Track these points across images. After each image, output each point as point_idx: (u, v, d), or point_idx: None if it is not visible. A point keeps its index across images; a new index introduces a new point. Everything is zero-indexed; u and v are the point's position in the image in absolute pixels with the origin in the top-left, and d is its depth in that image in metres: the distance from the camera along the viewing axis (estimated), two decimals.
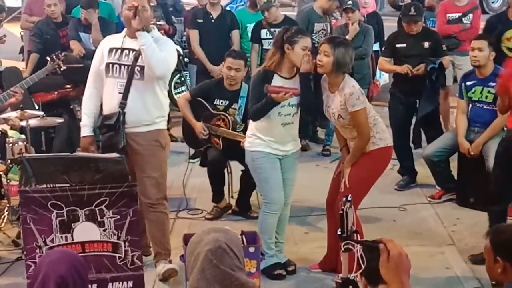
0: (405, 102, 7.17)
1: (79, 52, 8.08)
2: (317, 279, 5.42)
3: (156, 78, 5.10)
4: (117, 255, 4.77)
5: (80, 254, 4.55)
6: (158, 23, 8.52)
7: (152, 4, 8.74)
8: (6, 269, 5.52)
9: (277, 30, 7.77)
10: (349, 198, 2.68)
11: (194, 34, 8.43)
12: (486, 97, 6.34)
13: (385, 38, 8.07)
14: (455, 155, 6.69)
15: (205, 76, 8.01)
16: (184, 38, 9.80)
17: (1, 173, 5.99)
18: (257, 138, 5.28)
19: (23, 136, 6.27)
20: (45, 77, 7.48)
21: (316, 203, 6.34)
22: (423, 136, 7.64)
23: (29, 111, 6.34)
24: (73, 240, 4.70)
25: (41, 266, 2.86)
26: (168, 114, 5.66)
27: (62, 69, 7.28)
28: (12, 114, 6.25)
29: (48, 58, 7.31)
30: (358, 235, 2.69)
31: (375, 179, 5.34)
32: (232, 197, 6.74)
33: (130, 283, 4.82)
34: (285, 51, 5.14)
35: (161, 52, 5.07)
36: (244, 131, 5.95)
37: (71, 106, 8.18)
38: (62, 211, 4.66)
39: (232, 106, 6.41)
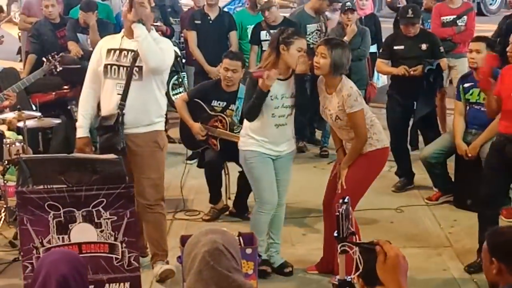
0: (402, 104, 7.17)
1: (77, 53, 8.08)
2: (314, 281, 5.42)
3: (151, 71, 5.08)
4: (114, 256, 4.77)
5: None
6: (155, 24, 8.52)
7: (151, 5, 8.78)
8: (3, 270, 5.52)
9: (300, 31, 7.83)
10: (345, 200, 2.68)
11: (192, 35, 8.43)
12: (484, 99, 6.34)
13: (383, 40, 8.08)
14: (452, 157, 6.69)
15: (203, 77, 8.01)
16: (182, 39, 9.81)
17: None
18: (250, 138, 5.28)
19: (20, 137, 6.27)
20: (43, 78, 7.49)
21: (313, 204, 6.34)
22: (420, 138, 7.66)
23: (27, 112, 6.34)
24: (70, 241, 4.69)
25: (42, 266, 2.86)
26: (166, 115, 5.66)
27: (58, 70, 7.28)
28: (9, 115, 6.25)
29: (44, 59, 7.32)
30: (356, 237, 2.69)
31: (372, 180, 5.34)
32: (229, 198, 6.74)
33: (127, 284, 4.81)
34: (281, 52, 5.13)
35: (157, 45, 5.07)
36: None
37: (69, 107, 8.19)
38: (59, 212, 4.66)
39: (230, 107, 6.42)
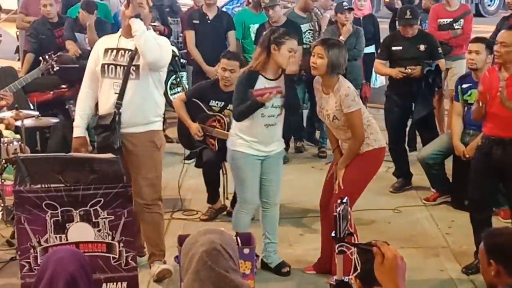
0: (400, 105, 7.18)
1: (75, 53, 8.08)
2: (312, 281, 5.43)
3: (148, 65, 5.07)
4: (111, 255, 4.77)
5: None
6: (153, 24, 8.53)
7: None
8: (0, 269, 5.51)
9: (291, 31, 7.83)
10: (344, 201, 2.68)
11: (190, 35, 8.43)
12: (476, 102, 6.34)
13: (381, 41, 8.08)
14: (450, 158, 6.69)
15: (201, 77, 8.02)
16: (180, 39, 9.81)
17: None
18: (239, 138, 5.29)
19: (18, 136, 6.26)
20: (41, 77, 7.49)
21: (311, 204, 6.34)
22: (418, 139, 7.65)
23: (24, 111, 6.33)
24: (67, 240, 4.70)
25: (48, 263, 2.84)
26: (164, 115, 5.66)
27: (55, 69, 7.28)
28: (7, 114, 6.24)
29: (41, 58, 7.32)
30: (354, 237, 2.69)
31: (369, 180, 5.35)
32: (227, 198, 6.74)
33: (124, 284, 4.82)
34: (272, 52, 5.14)
35: (154, 40, 5.08)
36: None
37: (67, 106, 8.18)
38: (56, 211, 4.66)
39: (228, 107, 6.41)
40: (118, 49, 5.17)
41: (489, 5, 18.46)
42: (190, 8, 9.58)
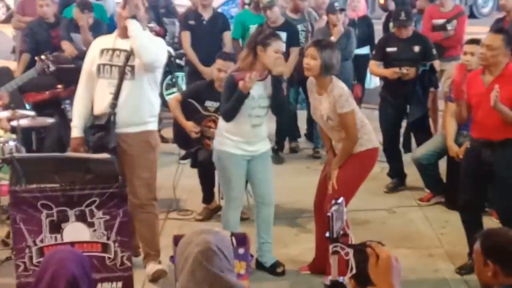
0: (395, 105, 7.20)
1: (71, 53, 8.07)
2: (307, 281, 5.44)
3: (144, 66, 5.09)
4: (106, 255, 4.77)
5: None
6: (149, 25, 8.54)
7: None
8: None
9: (277, 32, 7.83)
10: (339, 201, 2.69)
11: (185, 36, 8.44)
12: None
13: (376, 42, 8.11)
14: (444, 158, 6.71)
15: (196, 77, 8.01)
16: (176, 40, 9.81)
17: None
18: (226, 138, 5.32)
19: (13, 136, 6.26)
20: (36, 77, 7.47)
21: (306, 204, 6.35)
22: (412, 140, 7.67)
23: (20, 111, 6.33)
24: (62, 240, 4.69)
25: (49, 263, 2.83)
26: (159, 115, 5.67)
27: (51, 69, 7.27)
28: (3, 114, 6.24)
29: (36, 58, 7.32)
30: (351, 237, 2.71)
31: (362, 180, 5.37)
32: (222, 198, 6.72)
33: (120, 284, 4.82)
34: (258, 53, 5.16)
35: (150, 40, 5.10)
36: None
37: (62, 106, 8.17)
38: (52, 211, 4.66)
39: None
40: (113, 50, 5.18)
41: (483, 7, 18.50)
42: (188, 8, 9.59)
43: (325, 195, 5.25)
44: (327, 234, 2.67)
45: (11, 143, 6.08)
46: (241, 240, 5.11)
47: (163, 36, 9.27)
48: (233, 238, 5.03)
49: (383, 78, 7.53)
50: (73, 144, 5.33)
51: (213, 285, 2.53)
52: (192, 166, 6.67)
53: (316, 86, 5.24)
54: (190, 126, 6.35)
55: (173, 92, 9.06)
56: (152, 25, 8.66)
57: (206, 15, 8.38)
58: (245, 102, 5.14)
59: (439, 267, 5.64)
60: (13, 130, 6.30)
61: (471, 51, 6.09)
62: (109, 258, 4.77)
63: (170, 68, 8.91)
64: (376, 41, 8.26)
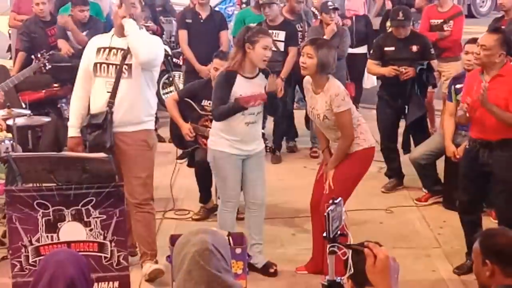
0: (392, 105, 7.19)
1: (68, 52, 8.06)
2: (304, 281, 5.43)
3: (141, 65, 5.07)
4: (103, 255, 4.76)
5: None
6: (146, 24, 8.53)
7: None
8: None
9: (276, 32, 7.85)
10: (336, 201, 2.68)
11: (183, 34, 8.43)
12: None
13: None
14: (442, 158, 6.71)
15: (194, 76, 8.01)
16: (173, 38, 9.79)
17: None
18: (220, 138, 5.32)
19: (9, 135, 6.24)
20: (33, 76, 7.46)
21: (303, 204, 6.33)
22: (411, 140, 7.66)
23: (16, 110, 6.31)
24: (59, 239, 4.69)
25: (48, 265, 2.80)
26: (156, 115, 5.66)
27: (47, 67, 7.26)
28: None
29: (33, 57, 7.30)
30: (350, 238, 2.69)
31: (359, 180, 5.37)
32: (219, 198, 6.72)
33: (116, 283, 4.81)
34: (246, 50, 5.16)
35: (146, 39, 5.09)
36: None
37: (59, 105, 8.17)
38: (48, 211, 4.65)
39: None
40: (110, 48, 5.17)
41: (481, 6, 18.51)
42: (186, 7, 9.58)
43: (322, 195, 5.24)
44: (324, 234, 2.65)
45: (7, 142, 6.06)
46: (238, 239, 5.10)
47: (160, 35, 9.25)
48: (230, 238, 5.02)
49: (380, 78, 7.52)
50: (71, 143, 5.31)
51: (210, 285, 2.52)
52: (189, 165, 6.66)
53: (312, 85, 5.24)
54: (186, 129, 6.33)
55: (170, 91, 9.04)
56: (149, 24, 8.66)
57: (204, 14, 8.36)
58: None
59: (436, 267, 5.64)
60: (9, 129, 6.28)
61: (473, 51, 6.04)
62: (105, 257, 4.76)
63: (167, 67, 8.89)
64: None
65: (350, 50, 8.71)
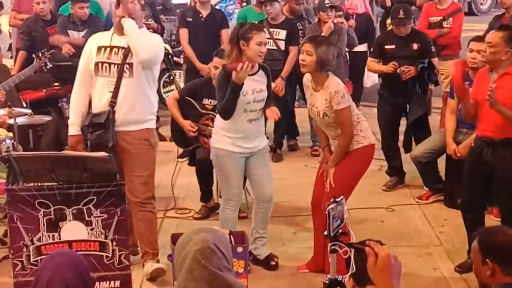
0: (393, 103, 7.18)
1: (69, 51, 8.06)
2: (305, 279, 5.43)
3: (142, 63, 5.06)
4: (104, 254, 4.76)
5: None
6: (146, 22, 8.53)
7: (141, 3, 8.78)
8: None
9: (276, 30, 7.85)
10: (338, 200, 2.68)
11: (183, 33, 8.42)
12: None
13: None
14: (443, 156, 6.70)
15: (195, 74, 8.01)
16: (174, 37, 9.79)
17: None
18: (223, 136, 5.32)
19: (10, 134, 6.24)
20: (33, 75, 7.46)
21: (304, 203, 6.34)
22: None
23: (17, 109, 6.31)
24: (60, 239, 4.69)
25: (46, 269, 2.76)
26: (157, 113, 5.65)
27: (48, 67, 7.26)
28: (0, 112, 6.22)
29: (34, 56, 7.30)
30: (352, 237, 2.69)
31: (360, 177, 5.36)
32: (220, 196, 6.70)
33: (117, 283, 4.81)
34: (241, 47, 5.17)
35: (146, 37, 5.07)
36: None
37: (59, 104, 8.17)
38: (49, 210, 4.65)
39: None
40: (111, 47, 5.16)
41: (481, 4, 18.51)
42: (187, 5, 9.59)
43: (323, 194, 5.23)
44: (326, 233, 2.66)
45: (8, 142, 6.06)
46: (240, 238, 5.10)
47: (161, 33, 9.25)
48: (232, 237, 5.02)
49: (381, 76, 7.52)
50: (71, 141, 5.31)
51: (212, 283, 2.52)
52: (190, 164, 6.66)
53: (312, 83, 5.24)
54: (188, 125, 6.34)
55: (171, 90, 9.05)
56: (149, 22, 8.66)
57: (204, 12, 8.36)
58: (240, 98, 5.12)
59: (438, 265, 5.63)
60: (10, 128, 6.27)
61: (477, 49, 6.03)
62: (107, 256, 4.76)
63: (168, 65, 8.88)
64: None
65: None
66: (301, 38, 8.01)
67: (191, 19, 8.37)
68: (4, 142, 6.04)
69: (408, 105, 7.12)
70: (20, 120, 6.19)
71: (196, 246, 2.56)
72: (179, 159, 7.09)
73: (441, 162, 6.79)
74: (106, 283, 4.78)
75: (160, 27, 9.21)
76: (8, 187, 4.81)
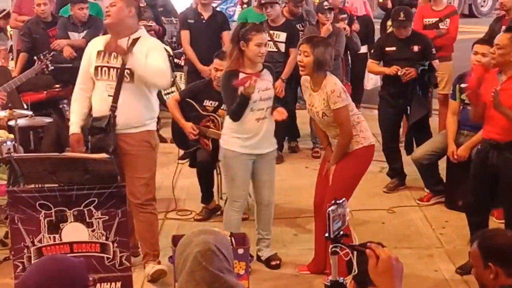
0: (394, 105, 7.18)
1: (70, 55, 8.06)
2: (306, 281, 5.42)
3: (158, 87, 5.18)
4: (105, 255, 4.76)
5: (68, 255, 4.55)
6: (148, 24, 8.54)
7: (141, 5, 8.79)
8: None
9: (277, 32, 7.86)
10: (339, 202, 2.68)
11: (185, 35, 8.43)
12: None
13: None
14: (444, 158, 6.70)
15: (196, 76, 8.01)
16: (174, 39, 9.79)
17: None
18: (231, 137, 5.33)
19: (11, 136, 6.24)
20: (34, 77, 7.47)
21: (305, 204, 6.34)
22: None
23: (18, 111, 6.31)
24: (61, 240, 4.68)
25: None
26: (158, 115, 5.65)
27: (50, 69, 7.27)
28: (0, 114, 6.23)
29: (36, 58, 7.31)
30: (355, 238, 2.69)
31: (360, 178, 5.37)
32: (221, 198, 6.73)
33: (118, 284, 4.81)
34: (241, 48, 5.19)
35: (153, 64, 5.06)
36: None
37: (60, 106, 8.17)
38: (50, 211, 4.65)
39: (222, 107, 6.40)
40: (110, 51, 5.15)
41: (482, 6, 18.51)
42: (188, 7, 9.58)
43: (325, 195, 5.23)
44: (327, 234, 2.66)
45: (9, 143, 6.06)
46: (241, 240, 5.10)
47: (162, 35, 9.26)
48: (233, 239, 5.02)
49: (382, 77, 7.52)
50: (72, 140, 5.31)
51: (213, 285, 2.51)
52: (191, 166, 6.66)
53: (310, 83, 5.25)
54: (189, 128, 6.34)
55: (172, 92, 9.03)
56: (151, 24, 8.66)
57: (206, 14, 8.36)
58: None
59: (439, 267, 5.63)
60: (11, 130, 6.28)
61: (482, 52, 6.01)
62: (108, 258, 4.76)
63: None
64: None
65: None
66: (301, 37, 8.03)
67: (192, 21, 8.38)
68: (5, 144, 6.04)
69: (409, 107, 7.12)
70: (21, 122, 6.19)
71: (197, 247, 2.56)
72: (180, 161, 7.09)
73: (442, 164, 6.79)
74: (107, 284, 4.78)
75: (161, 29, 9.21)
76: (9, 189, 4.81)
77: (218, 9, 9.70)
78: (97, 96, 5.20)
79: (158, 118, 5.73)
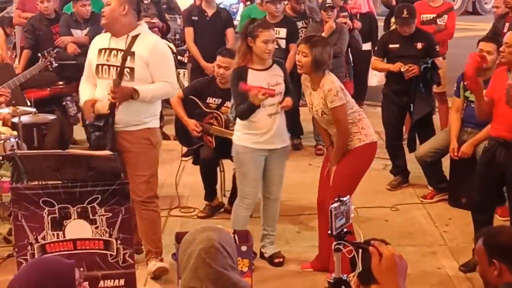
0: (397, 102, 7.17)
1: (74, 51, 8.07)
2: (309, 279, 5.42)
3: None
4: (108, 253, 4.76)
5: (72, 252, 4.58)
6: (152, 21, 8.54)
7: (145, 2, 8.80)
8: None
9: (277, 29, 7.84)
10: (343, 199, 2.67)
11: (189, 32, 8.43)
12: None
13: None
14: (447, 155, 6.69)
15: (200, 73, 8.01)
16: (178, 36, 9.78)
17: None
18: (244, 134, 5.33)
19: (15, 133, 6.25)
20: (37, 74, 7.47)
21: (308, 202, 6.35)
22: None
23: (21, 108, 6.32)
24: (64, 237, 4.69)
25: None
26: (161, 112, 5.65)
27: (54, 66, 7.27)
28: (4, 111, 6.23)
29: (39, 55, 7.31)
30: (360, 236, 2.69)
31: (362, 175, 5.37)
32: (224, 195, 6.74)
33: (122, 281, 4.81)
34: (249, 44, 5.20)
35: (160, 88, 5.10)
36: None
37: (64, 103, 8.17)
38: (54, 208, 4.65)
39: (225, 104, 6.41)
40: (110, 50, 5.14)
41: (486, 3, 18.47)
42: (192, 4, 9.58)
43: (327, 192, 5.23)
44: (329, 232, 2.65)
45: (13, 140, 6.07)
46: (244, 237, 5.10)
47: (166, 32, 9.26)
48: (236, 236, 5.03)
49: (385, 75, 7.51)
50: (85, 105, 5.19)
51: (216, 282, 2.52)
52: (194, 163, 6.66)
53: (310, 82, 5.25)
54: (193, 125, 6.34)
55: None
56: (154, 20, 8.66)
57: (210, 11, 8.36)
58: None
59: (442, 264, 5.63)
60: (15, 126, 6.28)
61: (488, 50, 6.00)
62: (111, 255, 4.76)
63: None
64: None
65: None
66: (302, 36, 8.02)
67: (196, 18, 8.38)
68: (8, 141, 6.04)
69: (412, 104, 7.11)
70: (25, 119, 6.19)
71: (201, 244, 2.56)
72: (183, 158, 7.09)
73: (446, 161, 6.78)
74: (110, 281, 4.79)
75: (165, 26, 9.21)
76: (12, 186, 4.82)
77: (221, 6, 9.69)
78: (99, 94, 5.19)
79: (161, 115, 5.74)
